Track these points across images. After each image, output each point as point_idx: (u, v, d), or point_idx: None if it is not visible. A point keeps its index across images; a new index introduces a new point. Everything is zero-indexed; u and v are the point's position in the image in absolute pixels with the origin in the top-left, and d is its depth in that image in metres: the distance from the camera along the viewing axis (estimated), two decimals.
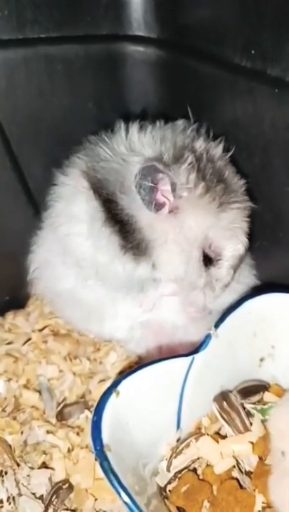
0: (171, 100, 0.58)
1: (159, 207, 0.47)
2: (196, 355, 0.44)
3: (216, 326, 0.46)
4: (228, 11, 0.49)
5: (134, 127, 0.51)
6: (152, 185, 0.46)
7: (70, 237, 0.51)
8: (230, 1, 0.48)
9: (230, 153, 0.50)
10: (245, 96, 0.49)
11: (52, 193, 0.54)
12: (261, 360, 0.50)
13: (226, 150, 0.51)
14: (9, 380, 0.57)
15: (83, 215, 0.50)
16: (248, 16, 0.46)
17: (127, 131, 0.51)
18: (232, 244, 0.49)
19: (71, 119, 0.58)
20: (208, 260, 0.49)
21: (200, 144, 0.49)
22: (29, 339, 0.62)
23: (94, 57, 0.57)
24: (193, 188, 0.47)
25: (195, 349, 0.45)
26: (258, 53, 0.46)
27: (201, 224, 0.48)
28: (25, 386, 0.57)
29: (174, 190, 0.46)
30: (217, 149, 0.50)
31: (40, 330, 0.63)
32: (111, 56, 0.58)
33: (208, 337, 0.45)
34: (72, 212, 0.51)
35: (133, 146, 0.49)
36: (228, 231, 0.49)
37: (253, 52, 0.47)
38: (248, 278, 0.56)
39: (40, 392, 0.56)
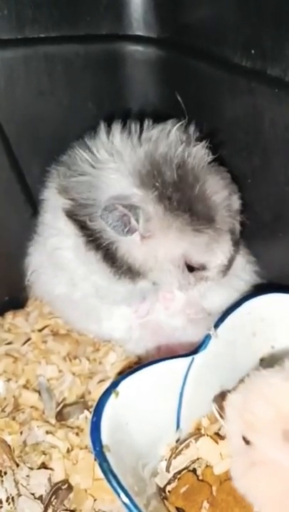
0: (170, 100, 0.57)
1: (131, 232, 0.46)
2: (195, 356, 0.44)
3: (216, 326, 0.46)
4: (228, 10, 0.49)
5: (116, 128, 0.50)
6: (116, 221, 0.45)
7: (59, 251, 0.52)
8: (230, 1, 0.48)
9: (213, 157, 0.49)
10: (245, 96, 0.48)
11: (41, 202, 0.54)
12: (261, 360, 0.50)
13: (214, 151, 0.49)
14: (9, 380, 0.57)
15: (68, 230, 0.50)
16: (248, 15, 0.46)
17: (108, 133, 0.50)
18: (213, 259, 0.48)
19: (71, 119, 0.58)
20: (194, 268, 0.49)
21: (178, 153, 0.47)
22: (29, 339, 0.62)
23: (94, 56, 0.57)
24: (161, 218, 0.46)
25: (194, 349, 0.45)
26: (258, 53, 0.46)
27: (173, 249, 0.47)
28: (25, 386, 0.57)
29: (138, 222, 0.46)
30: (197, 155, 0.48)
31: (40, 330, 0.63)
32: (111, 56, 0.58)
33: (207, 337, 0.45)
34: (58, 226, 0.51)
35: (113, 150, 0.48)
36: (204, 251, 0.48)
37: (253, 52, 0.47)
38: (248, 275, 0.56)
39: (39, 392, 0.56)
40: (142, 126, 0.50)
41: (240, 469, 0.38)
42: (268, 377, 0.37)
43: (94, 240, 0.48)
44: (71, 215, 0.49)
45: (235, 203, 0.50)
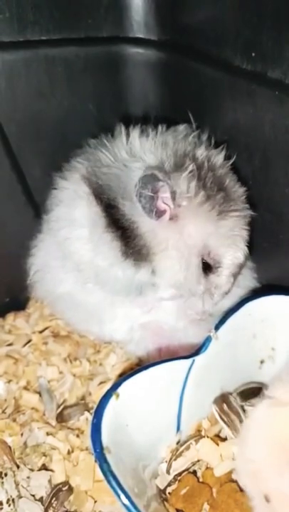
0: (171, 102, 0.58)
1: (159, 214, 0.47)
2: (196, 357, 0.44)
3: (216, 328, 0.46)
4: (229, 12, 0.49)
5: (134, 132, 0.51)
6: (152, 194, 0.46)
7: (69, 241, 0.52)
8: (230, 3, 0.48)
9: (231, 161, 0.51)
10: (246, 98, 0.49)
11: (52, 197, 0.54)
12: (261, 362, 0.50)
13: (227, 157, 0.51)
14: (9, 381, 0.57)
15: (84, 220, 0.50)
16: (248, 18, 0.47)
17: (127, 135, 0.51)
18: (231, 252, 0.49)
19: (71, 121, 0.58)
20: (207, 267, 0.49)
21: (201, 152, 0.49)
22: (29, 341, 0.62)
23: (94, 59, 0.57)
24: (194, 197, 0.47)
25: (195, 351, 0.45)
26: (258, 55, 0.46)
27: (200, 231, 0.48)
28: (26, 388, 0.57)
29: (173, 198, 0.46)
30: (218, 157, 0.50)
31: (41, 331, 0.63)
32: (111, 58, 0.58)
33: (208, 339, 0.45)
34: (73, 216, 0.51)
35: (134, 152, 0.49)
36: (228, 239, 0.49)
37: (253, 54, 0.47)
38: (249, 281, 0.56)
39: (40, 393, 0.56)
40: (156, 129, 0.51)
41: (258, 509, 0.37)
42: (265, 413, 0.37)
43: (115, 220, 0.48)
44: (98, 194, 0.49)
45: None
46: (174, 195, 0.46)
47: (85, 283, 0.53)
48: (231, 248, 0.49)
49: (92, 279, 0.52)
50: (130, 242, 0.48)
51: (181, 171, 0.47)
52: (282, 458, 0.35)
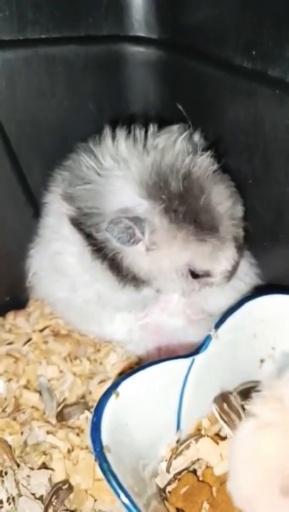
0: (171, 101, 0.57)
1: (135, 243, 0.47)
2: (196, 357, 0.44)
3: (216, 327, 0.46)
4: (229, 11, 0.49)
5: (121, 134, 0.50)
6: (121, 233, 0.46)
7: (62, 256, 0.52)
8: (231, 2, 0.48)
9: (217, 167, 0.50)
10: (246, 97, 0.48)
11: (44, 204, 0.54)
12: (261, 361, 0.50)
13: (218, 158, 0.50)
14: (9, 380, 0.57)
15: (73, 238, 0.50)
16: (248, 16, 0.46)
17: (113, 138, 0.50)
18: (216, 267, 0.49)
19: (71, 120, 0.58)
20: (198, 275, 0.49)
21: (185, 164, 0.47)
22: (30, 339, 0.62)
23: (95, 57, 0.57)
24: (166, 230, 0.46)
25: (195, 350, 0.45)
26: (258, 54, 0.46)
27: (178, 259, 0.48)
28: (26, 386, 0.57)
29: (144, 235, 0.46)
30: (202, 165, 0.48)
31: (41, 330, 0.63)
32: (112, 57, 0.58)
33: (208, 338, 0.45)
34: (62, 232, 0.51)
35: (119, 157, 0.48)
36: (208, 260, 0.48)
37: (253, 53, 0.47)
38: (250, 277, 0.56)
39: (40, 392, 0.56)
40: (146, 131, 0.50)
41: None
42: (248, 439, 0.36)
43: (100, 249, 0.48)
44: (76, 223, 0.49)
45: (239, 211, 0.51)
46: (143, 233, 0.46)
47: (83, 299, 0.53)
48: (215, 264, 0.49)
49: (93, 300, 0.52)
50: (121, 272, 0.49)
51: (154, 202, 0.46)
52: (271, 483, 0.34)
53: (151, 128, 0.51)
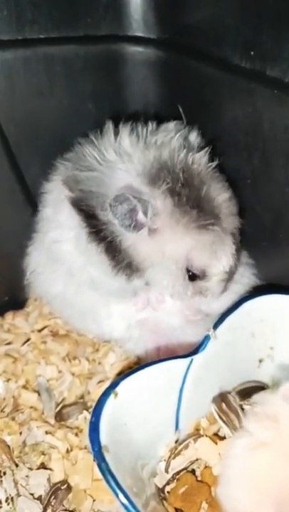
0: (170, 100, 0.58)
1: (137, 228, 0.46)
2: (194, 356, 0.44)
3: (215, 327, 0.46)
4: (228, 11, 0.49)
5: (124, 130, 0.50)
6: (126, 213, 0.45)
7: (58, 244, 0.51)
8: (230, 2, 0.48)
9: (214, 164, 0.50)
10: (245, 97, 0.48)
11: (41, 199, 0.54)
12: (260, 361, 0.50)
13: (216, 158, 0.50)
14: (8, 380, 0.57)
15: (70, 223, 0.50)
16: (247, 16, 0.46)
17: (116, 133, 0.50)
18: (215, 263, 0.49)
19: (70, 120, 0.58)
20: (195, 275, 0.49)
21: (181, 159, 0.48)
22: (28, 339, 0.62)
23: (93, 57, 0.57)
24: (169, 214, 0.46)
25: (194, 350, 0.45)
26: (257, 54, 0.46)
27: (179, 247, 0.47)
28: (24, 386, 0.57)
29: (147, 216, 0.46)
30: (200, 161, 0.49)
31: (40, 330, 0.63)
32: (110, 57, 0.58)
33: (206, 338, 0.45)
34: (59, 219, 0.51)
35: (121, 151, 0.49)
36: (209, 252, 0.48)
37: (252, 53, 0.47)
38: (247, 278, 0.56)
39: (39, 392, 0.56)
40: (147, 127, 0.51)
41: None
42: (235, 458, 0.35)
43: (98, 231, 0.48)
44: (77, 204, 0.49)
45: (236, 208, 0.51)
46: (146, 214, 0.46)
47: (78, 285, 0.53)
48: (215, 260, 0.48)
49: (86, 283, 0.52)
50: (116, 256, 0.48)
51: (157, 186, 0.46)
52: (265, 505, 0.34)
53: (150, 125, 0.51)
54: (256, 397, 0.38)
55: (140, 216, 0.46)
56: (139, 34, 0.57)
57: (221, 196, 0.49)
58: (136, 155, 0.48)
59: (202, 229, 0.47)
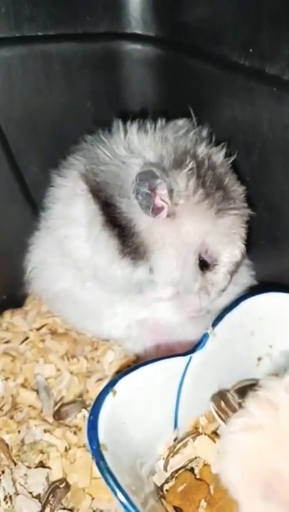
0: (169, 99, 0.58)
1: (156, 211, 0.47)
2: (193, 355, 0.44)
3: (214, 325, 0.46)
4: (227, 9, 0.48)
5: (133, 127, 0.50)
6: (149, 191, 0.46)
7: (68, 239, 0.51)
8: (228, 0, 0.48)
9: (231, 159, 0.50)
10: (244, 94, 0.48)
11: (50, 194, 0.54)
12: (259, 359, 0.50)
13: (227, 155, 0.50)
14: (7, 379, 0.57)
15: (82, 218, 0.50)
16: (246, 14, 0.46)
17: (125, 131, 0.50)
18: (229, 249, 0.49)
19: (69, 118, 0.58)
20: (204, 265, 0.49)
21: (202, 150, 0.49)
22: (27, 338, 0.62)
23: (92, 55, 0.57)
24: (192, 195, 0.46)
25: (192, 348, 0.45)
26: (256, 52, 0.46)
27: (198, 229, 0.48)
28: (23, 385, 0.57)
29: (171, 196, 0.46)
30: (218, 155, 0.50)
31: (38, 329, 0.63)
32: (109, 54, 0.57)
33: (205, 336, 0.45)
34: (70, 214, 0.51)
35: (132, 147, 0.49)
36: (225, 237, 0.48)
37: (251, 50, 0.47)
38: (245, 279, 0.56)
39: (37, 391, 0.56)
40: (155, 124, 0.51)
41: None
42: (232, 434, 0.36)
43: (114, 218, 0.48)
44: (96, 192, 0.49)
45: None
46: (171, 192, 0.46)
47: (84, 281, 0.53)
48: (229, 246, 0.49)
49: (92, 278, 0.52)
50: (127, 241, 0.48)
51: (181, 168, 0.46)
52: (254, 484, 0.34)
53: (160, 122, 0.51)
54: (262, 381, 0.39)
55: (159, 199, 0.46)
56: (138, 32, 0.57)
57: (239, 188, 0.50)
58: (150, 148, 0.48)
59: (223, 212, 0.48)
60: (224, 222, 0.48)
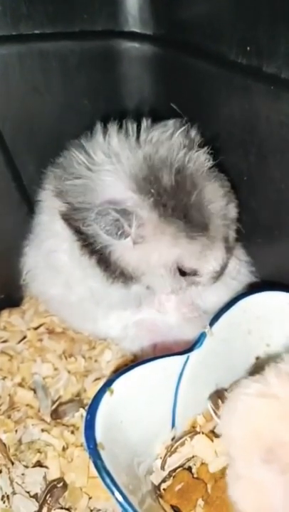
0: (166, 97, 0.57)
1: (125, 236, 0.46)
2: (190, 354, 0.44)
3: (211, 324, 0.46)
4: (224, 7, 0.48)
5: (112, 129, 0.49)
6: (109, 225, 0.45)
7: (56, 254, 0.51)
8: None
9: (213, 163, 0.49)
10: (241, 93, 0.48)
11: (37, 203, 0.54)
12: (257, 358, 0.50)
13: (215, 157, 0.49)
14: (4, 378, 0.57)
15: (65, 233, 0.50)
16: (243, 12, 0.46)
17: (105, 133, 0.50)
18: (205, 266, 0.48)
19: (66, 116, 0.58)
20: (186, 273, 0.49)
21: (179, 158, 0.47)
22: (24, 337, 0.62)
23: (89, 53, 0.57)
24: (156, 224, 0.46)
25: (190, 347, 0.45)
26: (253, 50, 0.46)
27: (167, 255, 0.47)
28: (20, 384, 0.56)
29: (131, 227, 0.45)
30: (198, 160, 0.48)
31: (36, 328, 0.63)
32: (106, 52, 0.57)
33: (202, 335, 0.45)
34: (55, 229, 0.51)
35: (110, 151, 0.48)
36: (197, 258, 0.48)
37: (248, 48, 0.46)
38: (244, 275, 0.56)
39: (35, 390, 0.56)
40: (139, 126, 0.50)
41: (229, 480, 0.38)
42: (245, 396, 0.37)
43: (88, 244, 0.48)
44: (67, 218, 0.49)
45: (232, 211, 0.51)
46: (130, 226, 0.45)
47: (77, 296, 0.53)
48: (203, 263, 0.48)
49: (86, 296, 0.52)
50: (109, 268, 0.48)
51: (144, 195, 0.45)
52: (253, 443, 0.35)
53: (145, 122, 0.50)
54: (285, 355, 0.40)
55: (125, 226, 0.45)
56: (135, 30, 0.57)
57: (214, 203, 0.48)
58: (124, 154, 0.47)
59: (189, 239, 0.46)
60: (192, 247, 0.47)
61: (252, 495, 0.35)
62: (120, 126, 0.50)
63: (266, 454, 0.34)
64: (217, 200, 0.48)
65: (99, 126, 0.50)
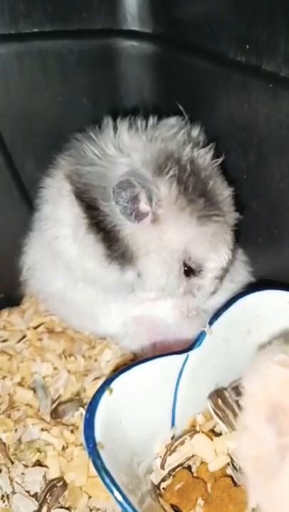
0: (166, 95, 0.57)
1: (139, 218, 0.46)
2: (190, 353, 0.44)
3: (211, 323, 0.46)
4: (223, 5, 0.48)
5: (123, 125, 0.50)
6: (129, 199, 0.45)
7: (57, 240, 0.51)
8: None
9: (219, 161, 0.50)
10: (240, 91, 0.48)
11: (40, 195, 0.54)
12: None
13: (216, 156, 0.50)
14: (4, 377, 0.57)
15: (68, 219, 0.50)
16: (242, 10, 0.46)
17: (115, 129, 0.50)
18: (213, 257, 0.48)
19: (65, 115, 0.58)
20: (190, 270, 0.49)
21: (187, 152, 0.48)
22: (24, 337, 0.62)
23: (88, 52, 0.57)
24: (174, 201, 0.46)
25: (189, 346, 0.45)
26: (252, 48, 0.46)
27: (180, 237, 0.47)
28: (20, 384, 0.56)
29: (152, 203, 0.45)
30: (205, 157, 0.49)
31: (35, 327, 0.63)
32: (105, 51, 0.57)
33: (202, 334, 0.45)
34: (58, 215, 0.51)
35: (122, 146, 0.48)
36: (209, 244, 0.48)
37: (247, 47, 0.46)
38: (242, 276, 0.56)
39: (34, 389, 0.56)
40: (146, 122, 0.50)
41: (238, 429, 0.39)
42: (270, 361, 0.38)
43: (98, 222, 0.48)
44: (80, 194, 0.49)
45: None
46: (151, 200, 0.45)
47: (76, 282, 0.53)
48: (213, 253, 0.48)
49: (82, 279, 0.52)
50: (113, 245, 0.48)
51: (163, 175, 0.46)
52: (266, 404, 0.36)
53: (151, 120, 0.51)
54: None
55: (142, 205, 0.45)
56: (134, 28, 0.57)
57: (225, 191, 0.49)
58: (137, 149, 0.47)
59: (206, 219, 0.47)
60: (207, 229, 0.47)
61: (252, 447, 0.36)
62: (129, 123, 0.50)
63: (270, 415, 0.35)
64: (228, 190, 0.49)
65: (109, 121, 0.50)
